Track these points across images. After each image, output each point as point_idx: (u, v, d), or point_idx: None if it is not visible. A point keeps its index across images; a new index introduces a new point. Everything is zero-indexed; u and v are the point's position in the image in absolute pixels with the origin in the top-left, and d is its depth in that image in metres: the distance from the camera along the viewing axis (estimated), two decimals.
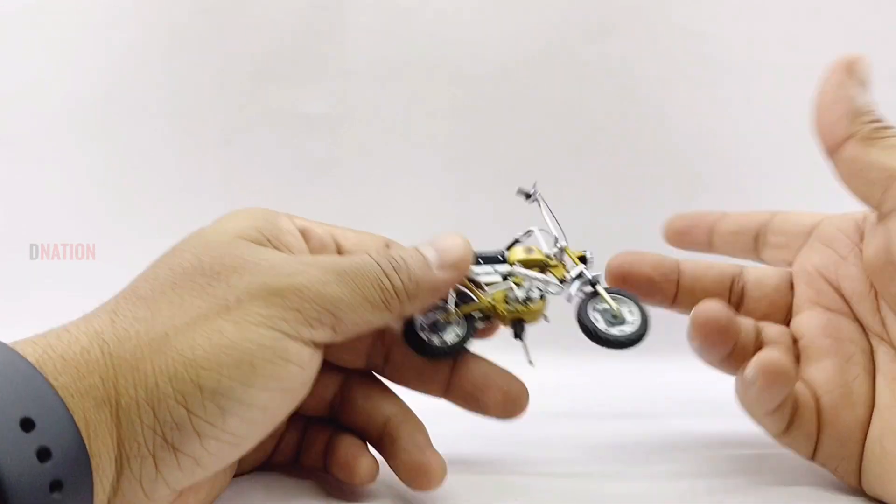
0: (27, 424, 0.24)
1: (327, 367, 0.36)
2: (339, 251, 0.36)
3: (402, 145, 0.67)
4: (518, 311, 0.35)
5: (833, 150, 0.34)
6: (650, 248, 0.41)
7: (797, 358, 0.36)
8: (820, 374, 0.34)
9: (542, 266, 0.37)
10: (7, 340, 0.26)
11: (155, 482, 0.26)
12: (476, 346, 0.36)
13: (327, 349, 0.36)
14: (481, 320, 0.36)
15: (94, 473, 0.25)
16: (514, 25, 0.66)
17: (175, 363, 0.26)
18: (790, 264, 0.39)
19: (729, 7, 0.66)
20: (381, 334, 0.36)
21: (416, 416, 0.35)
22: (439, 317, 0.35)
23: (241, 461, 0.35)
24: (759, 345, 0.36)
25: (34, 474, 0.23)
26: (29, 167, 0.68)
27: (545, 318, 0.36)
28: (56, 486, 0.24)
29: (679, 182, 0.65)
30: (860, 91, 0.34)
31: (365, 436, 0.36)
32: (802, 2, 0.65)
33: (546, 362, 0.60)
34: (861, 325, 0.36)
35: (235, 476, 0.36)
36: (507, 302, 0.35)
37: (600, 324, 0.35)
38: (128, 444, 0.26)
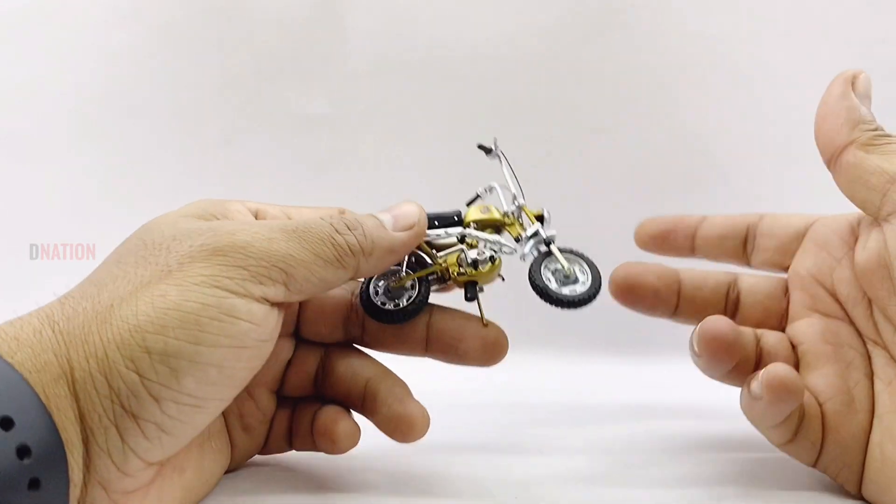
0: (6, 423, 0.24)
1: (307, 343, 0.37)
2: None
3: (402, 145, 0.67)
4: (470, 274, 0.35)
5: (833, 157, 0.34)
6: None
7: (796, 365, 0.36)
8: (822, 380, 0.34)
9: (498, 226, 0.37)
10: None
11: (124, 454, 0.26)
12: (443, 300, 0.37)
13: (305, 325, 0.37)
14: (436, 282, 0.36)
15: (65, 449, 0.25)
16: (514, 25, 0.66)
17: (121, 330, 0.27)
18: (784, 269, 0.39)
19: (729, 7, 0.66)
20: (354, 305, 0.36)
21: (395, 374, 0.36)
22: (392, 282, 0.36)
23: (235, 451, 0.36)
24: (759, 353, 0.36)
25: (14, 473, 0.23)
26: (29, 167, 0.68)
27: (501, 277, 0.36)
28: (34, 483, 0.24)
29: (678, 181, 0.65)
30: (861, 102, 0.34)
31: (349, 403, 0.36)
32: (802, 2, 0.65)
33: (546, 362, 0.61)
34: (857, 329, 0.35)
35: (230, 471, 0.36)
36: (459, 265, 0.36)
37: (552, 284, 0.35)
38: (89, 416, 0.26)
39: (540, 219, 0.37)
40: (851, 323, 0.35)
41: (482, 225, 0.37)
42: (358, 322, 0.37)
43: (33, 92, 0.68)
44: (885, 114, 0.58)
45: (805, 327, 0.36)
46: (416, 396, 0.36)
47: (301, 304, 0.37)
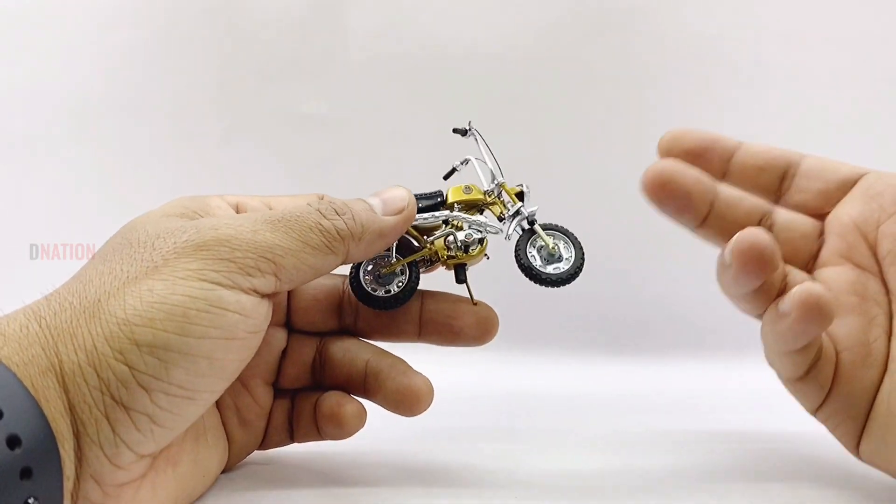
0: None
1: (302, 333, 0.37)
2: None
3: (402, 145, 0.67)
4: (459, 258, 0.36)
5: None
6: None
7: None
8: (843, 329, 0.33)
9: (481, 205, 0.37)
10: None
11: (116, 446, 0.26)
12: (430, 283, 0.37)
13: (297, 315, 0.37)
14: (423, 265, 0.37)
15: (57, 440, 0.25)
16: (514, 25, 0.66)
17: (109, 324, 0.27)
18: (818, 215, 0.37)
19: (729, 7, 0.66)
20: (347, 293, 0.37)
21: (394, 354, 0.36)
22: (382, 268, 0.36)
23: (233, 447, 0.35)
24: (783, 287, 0.33)
25: (4, 462, 0.24)
26: (29, 167, 0.68)
27: (486, 256, 0.37)
28: (26, 473, 0.24)
29: None
30: None
31: (350, 388, 0.36)
32: (802, 2, 0.65)
33: (546, 362, 0.61)
34: (886, 287, 0.34)
35: (229, 469, 0.36)
36: (447, 248, 0.36)
37: (537, 262, 0.36)
38: (79, 408, 0.26)
39: (520, 196, 0.37)
40: (882, 279, 0.34)
41: (465, 205, 0.37)
42: (351, 310, 0.37)
43: (33, 92, 0.68)
44: (886, 114, 0.58)
45: (835, 274, 0.35)
46: None
47: (292, 294, 0.37)
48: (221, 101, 0.67)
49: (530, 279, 0.35)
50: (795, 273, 0.35)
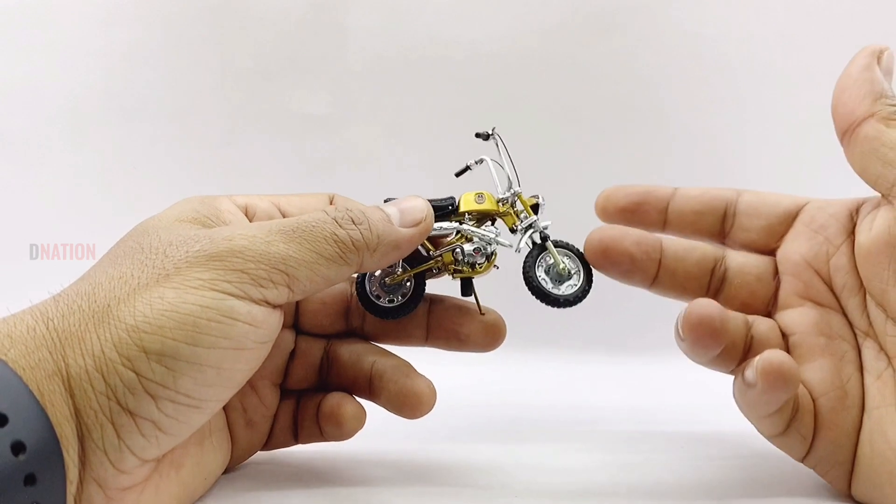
0: (0, 420, 0.24)
1: (309, 336, 0.37)
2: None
3: (402, 145, 0.67)
4: (466, 273, 0.36)
5: (850, 128, 0.33)
6: None
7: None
8: (816, 375, 0.33)
9: (493, 216, 0.37)
10: None
11: (120, 451, 0.26)
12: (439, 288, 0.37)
13: (305, 318, 0.37)
14: (431, 275, 0.36)
15: (61, 445, 0.25)
16: (514, 25, 0.66)
17: (118, 330, 0.27)
18: (767, 251, 0.37)
19: (728, 7, 0.66)
20: (355, 297, 0.36)
21: (399, 356, 0.36)
22: (388, 278, 0.36)
23: (236, 447, 0.35)
24: (748, 340, 0.34)
25: (8, 469, 0.23)
26: (29, 167, 0.68)
27: (495, 267, 0.36)
28: (30, 479, 0.24)
29: (676, 180, 0.65)
30: (884, 77, 0.33)
31: (355, 390, 0.36)
32: (802, 2, 0.65)
33: (546, 362, 0.61)
34: (848, 320, 0.34)
35: (231, 469, 0.36)
36: (455, 261, 0.36)
37: (548, 284, 0.36)
38: (84, 412, 0.26)
39: (535, 208, 0.37)
40: (843, 313, 0.34)
41: (477, 215, 0.36)
42: (359, 313, 0.37)
43: (33, 92, 0.68)
44: None
45: (798, 316, 0.35)
46: None
47: None
48: (222, 101, 0.67)
49: (539, 299, 0.36)
50: (759, 323, 0.35)
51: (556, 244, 0.36)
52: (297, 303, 0.37)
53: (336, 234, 0.30)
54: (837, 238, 0.35)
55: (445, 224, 0.36)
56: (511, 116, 0.66)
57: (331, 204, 0.38)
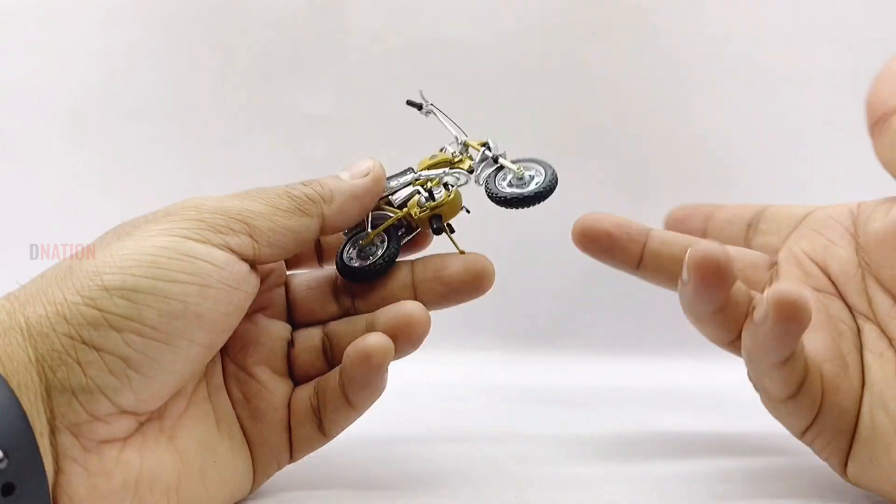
0: None
1: (310, 326, 0.37)
2: None
3: (402, 145, 0.67)
4: (430, 209, 0.36)
5: (883, 117, 0.33)
6: None
7: None
8: (818, 343, 0.33)
9: (449, 165, 0.37)
10: None
11: (90, 392, 0.26)
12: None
13: (297, 309, 0.37)
14: (406, 234, 0.37)
15: (20, 392, 0.25)
16: (513, 25, 0.66)
17: (80, 278, 0.27)
18: (777, 251, 0.38)
19: (727, 7, 0.66)
20: (339, 277, 0.37)
21: None
22: (361, 241, 0.36)
23: (255, 446, 0.34)
24: (750, 309, 0.33)
25: None
26: (29, 167, 0.68)
27: (465, 210, 0.37)
28: (8, 489, 0.24)
29: (679, 181, 0.65)
30: None
31: None
32: (801, 2, 0.65)
33: (546, 362, 0.61)
34: (847, 305, 0.35)
35: (258, 482, 0.35)
36: (418, 206, 0.36)
37: (508, 189, 0.36)
38: (47, 355, 0.26)
39: (486, 147, 0.37)
40: (842, 299, 0.35)
41: (433, 167, 0.37)
42: (347, 293, 0.37)
43: (33, 92, 0.68)
44: None
45: None
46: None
47: (287, 289, 0.37)
48: (222, 101, 0.67)
49: (505, 205, 0.36)
50: (758, 295, 0.34)
51: (515, 161, 0.37)
52: (287, 297, 0.37)
53: (290, 192, 0.32)
54: (834, 235, 0.36)
55: (402, 178, 0.37)
56: (511, 117, 0.66)
57: None
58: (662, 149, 0.66)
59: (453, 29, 0.66)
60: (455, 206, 0.37)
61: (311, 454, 0.36)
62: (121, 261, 0.28)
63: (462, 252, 0.36)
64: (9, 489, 0.24)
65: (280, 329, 0.36)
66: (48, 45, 0.67)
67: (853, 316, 0.35)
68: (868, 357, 0.33)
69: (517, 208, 0.36)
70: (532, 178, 0.36)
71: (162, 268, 0.28)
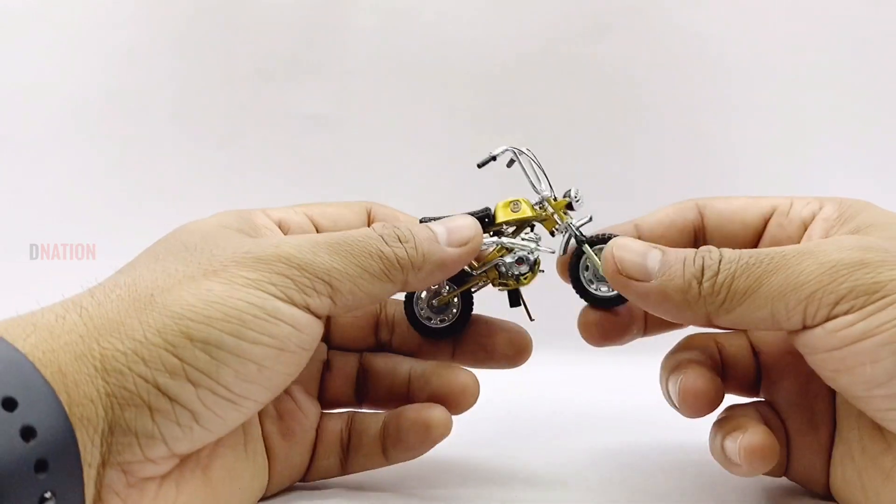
0: (9, 404, 0.23)
1: (341, 350, 0.37)
2: (319, 232, 0.36)
3: (402, 145, 0.67)
4: (511, 286, 0.36)
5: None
6: None
7: (757, 373, 0.35)
8: (785, 398, 0.33)
9: (531, 222, 0.36)
10: None
11: (152, 437, 0.26)
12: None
13: (337, 332, 0.37)
14: (476, 289, 0.37)
15: (80, 424, 0.25)
16: (513, 25, 0.66)
17: (163, 317, 0.27)
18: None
19: (726, 7, 0.66)
20: (384, 311, 0.37)
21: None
22: (436, 299, 0.36)
23: (276, 464, 0.34)
24: (722, 361, 0.35)
25: (18, 454, 0.23)
26: (29, 167, 0.68)
27: (541, 271, 0.36)
28: (41, 465, 0.23)
29: (679, 181, 0.65)
30: None
31: (393, 397, 0.36)
32: (801, 3, 0.65)
33: (545, 362, 0.61)
34: None
35: (269, 496, 0.34)
36: (499, 275, 0.36)
37: (592, 284, 0.35)
38: (118, 392, 0.26)
39: (570, 207, 0.36)
40: None
41: (515, 223, 0.36)
42: (388, 328, 0.37)
43: (34, 93, 0.68)
44: (885, 114, 0.58)
45: (768, 335, 0.35)
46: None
47: None
48: (223, 101, 0.67)
49: (586, 300, 0.36)
50: (732, 340, 0.35)
51: (594, 241, 0.35)
52: (328, 317, 0.36)
53: (382, 251, 0.31)
54: None
55: (486, 239, 0.35)
56: (511, 116, 0.66)
57: (368, 213, 0.38)
58: (662, 149, 0.66)
59: (452, 29, 0.66)
60: (535, 277, 0.36)
61: None
62: (208, 309, 0.27)
63: (532, 319, 0.36)
64: None
65: (319, 351, 0.36)
66: (49, 46, 0.68)
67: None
68: (838, 398, 0.32)
69: (593, 304, 0.35)
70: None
71: (247, 327, 0.27)
